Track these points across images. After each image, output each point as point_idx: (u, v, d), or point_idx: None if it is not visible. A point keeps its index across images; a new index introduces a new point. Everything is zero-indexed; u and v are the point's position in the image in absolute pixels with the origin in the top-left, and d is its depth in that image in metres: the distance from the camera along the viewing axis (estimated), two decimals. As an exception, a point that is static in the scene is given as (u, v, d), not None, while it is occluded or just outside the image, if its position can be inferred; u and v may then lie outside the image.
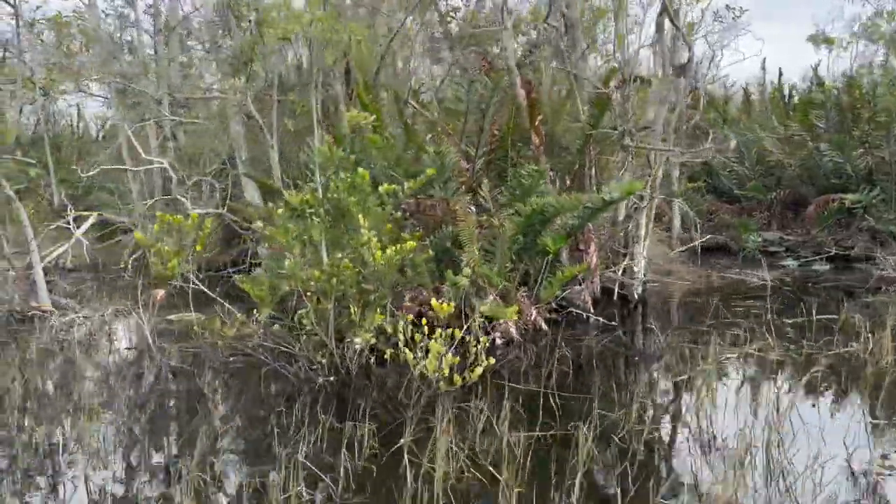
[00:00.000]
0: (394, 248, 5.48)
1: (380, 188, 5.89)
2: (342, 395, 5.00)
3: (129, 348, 6.80)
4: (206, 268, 11.60)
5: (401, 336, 5.56)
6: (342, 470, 3.46)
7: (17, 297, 8.00)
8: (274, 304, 6.14)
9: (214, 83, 11.65)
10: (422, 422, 4.22)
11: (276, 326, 6.12)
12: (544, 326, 6.60)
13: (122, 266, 12.16)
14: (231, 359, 5.93)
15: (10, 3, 14.05)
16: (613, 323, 7.03)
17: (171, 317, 7.71)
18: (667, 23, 7.49)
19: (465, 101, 8.31)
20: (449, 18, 12.69)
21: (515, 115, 7.73)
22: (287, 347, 6.01)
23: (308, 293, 5.79)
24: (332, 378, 5.28)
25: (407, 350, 4.85)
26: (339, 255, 5.74)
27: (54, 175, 14.49)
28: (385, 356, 5.54)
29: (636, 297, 8.04)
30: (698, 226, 9.73)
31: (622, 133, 7.47)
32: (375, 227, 5.75)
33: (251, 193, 10.90)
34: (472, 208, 6.83)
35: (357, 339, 5.56)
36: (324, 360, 5.50)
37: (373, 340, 5.54)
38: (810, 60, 28.96)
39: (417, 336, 4.89)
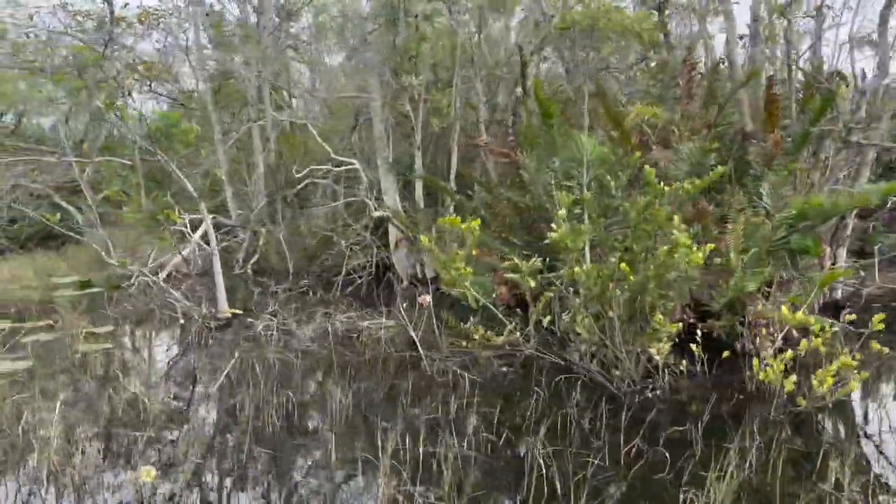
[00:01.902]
0: (697, 250, 5.11)
1: (662, 186, 5.50)
2: (684, 411, 4.61)
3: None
4: (329, 272, 11.26)
5: (695, 347, 5.25)
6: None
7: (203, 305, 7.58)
8: (544, 311, 5.78)
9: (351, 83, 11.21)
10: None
11: (522, 335, 5.77)
12: (795, 334, 6.26)
13: (240, 271, 11.76)
14: (504, 368, 5.53)
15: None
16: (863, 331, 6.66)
17: (366, 323, 7.34)
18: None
19: (664, 98, 8.00)
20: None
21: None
22: (554, 356, 5.65)
23: (579, 299, 5.46)
24: (658, 391, 4.90)
25: (773, 363, 4.45)
26: (613, 259, 5.40)
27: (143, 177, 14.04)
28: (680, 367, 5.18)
29: (840, 300, 7.72)
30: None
31: (847, 129, 7.13)
32: (660, 228, 5.40)
33: (392, 196, 10.50)
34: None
35: (652, 350, 5.21)
36: (617, 371, 5.17)
37: (667, 350, 5.17)
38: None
39: (818, 342, 4.49)
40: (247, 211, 13.03)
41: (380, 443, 3.82)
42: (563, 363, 5.58)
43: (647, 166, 5.40)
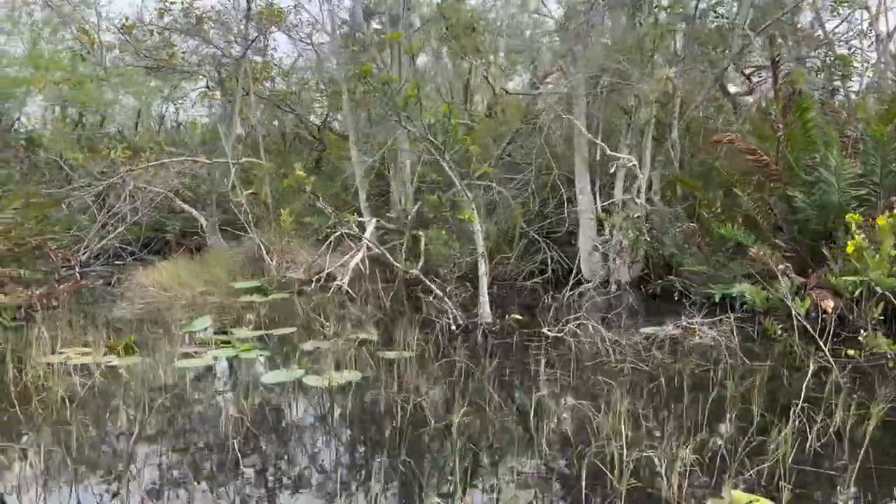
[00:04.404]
0: None
1: None
2: None
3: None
4: (505, 277, 10.77)
5: None
6: None
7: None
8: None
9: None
10: None
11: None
12: None
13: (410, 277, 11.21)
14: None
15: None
16: None
17: (646, 330, 6.83)
18: None
19: None
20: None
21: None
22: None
23: None
24: None
25: None
26: None
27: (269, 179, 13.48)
28: None
29: None
30: None
31: None
32: None
33: (587, 196, 9.99)
34: None
35: None
36: None
37: None
38: None
39: None
40: (394, 213, 12.55)
41: None
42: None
43: None
